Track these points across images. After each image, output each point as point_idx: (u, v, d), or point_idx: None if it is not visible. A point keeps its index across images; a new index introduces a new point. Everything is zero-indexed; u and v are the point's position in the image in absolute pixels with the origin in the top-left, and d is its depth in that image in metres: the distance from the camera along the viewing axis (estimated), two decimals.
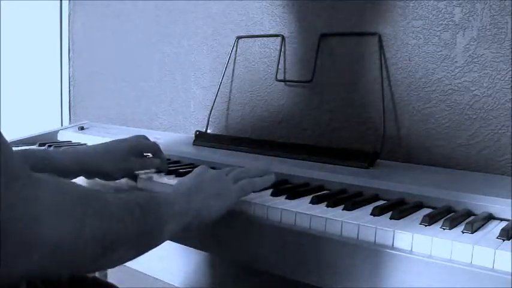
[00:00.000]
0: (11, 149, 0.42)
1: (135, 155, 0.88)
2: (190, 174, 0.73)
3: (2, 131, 0.42)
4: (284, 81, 1.20)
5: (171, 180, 0.85)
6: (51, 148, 1.10)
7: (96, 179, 0.88)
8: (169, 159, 1.05)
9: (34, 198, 0.42)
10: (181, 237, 0.76)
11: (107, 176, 0.86)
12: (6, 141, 0.42)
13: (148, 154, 0.94)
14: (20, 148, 1.08)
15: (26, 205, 0.41)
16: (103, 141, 1.21)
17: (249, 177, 0.74)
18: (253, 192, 0.74)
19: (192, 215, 0.63)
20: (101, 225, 0.48)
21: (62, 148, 0.96)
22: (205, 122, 1.25)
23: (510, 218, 0.66)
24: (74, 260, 0.46)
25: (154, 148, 0.93)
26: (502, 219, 0.67)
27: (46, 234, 0.42)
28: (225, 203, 0.68)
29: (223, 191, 0.68)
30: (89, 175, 0.87)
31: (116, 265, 0.53)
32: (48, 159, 0.80)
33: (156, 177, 0.88)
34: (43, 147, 1.06)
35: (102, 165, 0.84)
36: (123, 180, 0.90)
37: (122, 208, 0.53)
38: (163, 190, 0.83)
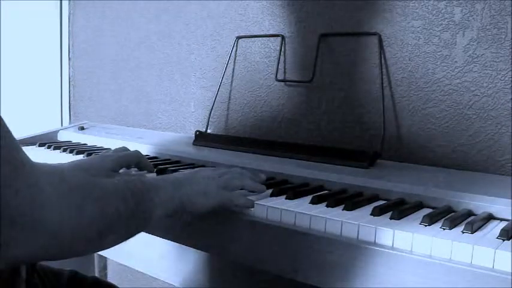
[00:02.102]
0: (16, 140, 0.45)
1: (119, 170, 0.88)
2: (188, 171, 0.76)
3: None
4: (284, 81, 1.20)
5: None
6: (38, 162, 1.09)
7: None
8: (169, 159, 1.05)
9: (37, 186, 0.45)
10: (172, 230, 0.77)
11: None
12: (10, 133, 0.45)
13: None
14: None
15: (30, 193, 0.44)
16: (106, 143, 1.22)
17: (241, 184, 0.75)
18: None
19: (177, 204, 0.66)
20: (98, 210, 0.52)
21: (48, 163, 0.95)
22: (205, 122, 1.25)
23: (510, 218, 0.66)
24: (74, 244, 0.50)
25: (137, 158, 0.92)
26: (502, 219, 0.67)
27: (48, 219, 0.46)
28: (209, 201, 0.69)
29: (210, 190, 0.70)
30: None
31: (108, 248, 0.57)
32: None
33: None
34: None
35: None
36: None
37: (116, 194, 0.56)
38: None
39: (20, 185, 0.43)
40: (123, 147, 0.96)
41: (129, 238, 0.60)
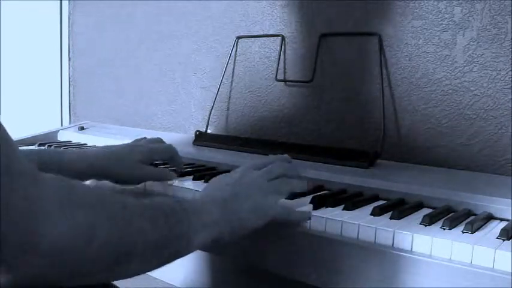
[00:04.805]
0: (15, 145, 0.41)
1: (149, 163, 0.83)
2: (229, 177, 0.66)
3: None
4: (284, 81, 1.20)
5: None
6: (64, 149, 1.02)
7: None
8: None
9: (37, 199, 0.40)
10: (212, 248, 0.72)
11: (116, 181, 0.82)
12: (9, 137, 0.41)
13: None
14: (35, 148, 1.06)
15: (28, 205, 0.39)
16: (106, 143, 1.22)
17: (292, 189, 0.69)
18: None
19: (224, 227, 0.59)
20: (115, 232, 0.46)
21: (75, 150, 0.92)
22: (205, 122, 1.25)
23: (510, 218, 0.66)
24: (83, 268, 0.44)
25: (171, 153, 0.86)
26: (502, 219, 0.67)
27: (48, 238, 0.40)
28: (262, 218, 0.62)
29: (261, 205, 0.63)
30: (99, 178, 0.82)
31: (137, 274, 0.51)
32: (63, 161, 0.78)
33: None
34: (59, 149, 1.03)
35: (113, 171, 0.80)
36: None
37: (142, 215, 0.50)
38: (163, 190, 0.83)
39: (17, 195, 0.38)
40: (158, 138, 0.90)
41: (163, 265, 0.53)
